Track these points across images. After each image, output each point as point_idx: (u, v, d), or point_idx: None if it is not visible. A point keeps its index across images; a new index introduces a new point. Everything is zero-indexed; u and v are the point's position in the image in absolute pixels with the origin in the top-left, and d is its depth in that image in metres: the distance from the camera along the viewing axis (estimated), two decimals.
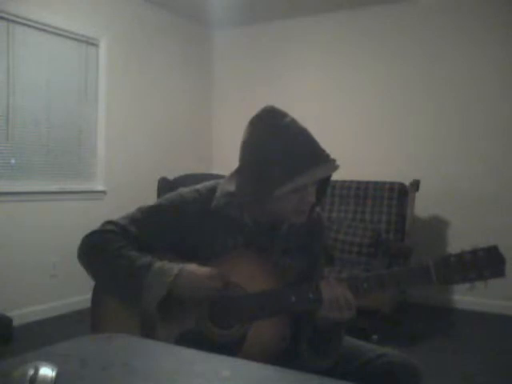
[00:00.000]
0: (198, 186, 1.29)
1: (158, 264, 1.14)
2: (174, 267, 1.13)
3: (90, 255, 1.22)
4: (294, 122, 1.17)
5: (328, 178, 1.23)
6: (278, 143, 1.13)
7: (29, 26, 3.45)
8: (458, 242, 3.71)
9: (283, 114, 1.17)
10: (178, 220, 1.22)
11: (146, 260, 1.15)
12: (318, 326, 1.13)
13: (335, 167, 1.15)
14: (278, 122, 1.15)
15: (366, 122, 4.45)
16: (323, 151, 1.16)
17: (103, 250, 1.19)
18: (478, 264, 1.01)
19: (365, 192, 3.94)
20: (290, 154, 1.11)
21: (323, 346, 1.15)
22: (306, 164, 1.11)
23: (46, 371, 0.79)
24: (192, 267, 1.14)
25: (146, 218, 1.24)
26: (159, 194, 2.48)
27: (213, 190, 1.25)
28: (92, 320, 1.23)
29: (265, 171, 1.12)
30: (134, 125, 4.31)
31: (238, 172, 1.21)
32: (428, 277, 1.04)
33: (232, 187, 1.21)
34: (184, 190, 1.28)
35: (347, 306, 1.07)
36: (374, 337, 2.99)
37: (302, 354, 1.16)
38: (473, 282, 1.02)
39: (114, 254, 1.17)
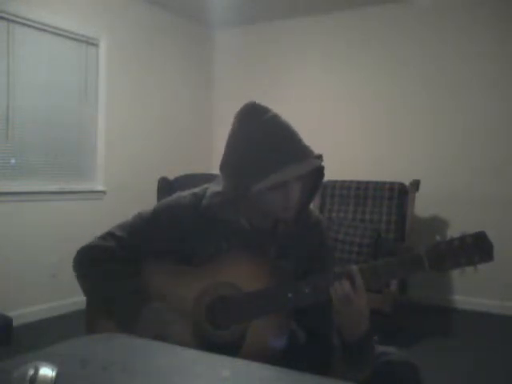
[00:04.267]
0: (196, 190, 1.29)
1: (155, 292, 1.17)
2: (170, 287, 1.16)
3: (86, 273, 1.23)
4: (274, 117, 1.15)
5: (320, 175, 1.20)
6: (255, 140, 1.12)
7: (29, 26, 3.45)
8: None
9: (264, 110, 1.16)
10: (176, 225, 1.22)
11: (143, 288, 1.17)
12: (340, 330, 1.11)
13: (313, 164, 1.13)
14: (257, 119, 1.14)
15: (366, 122, 4.45)
16: (304, 148, 1.13)
17: (99, 271, 1.21)
18: (467, 249, 1.03)
19: (365, 192, 3.94)
20: (266, 151, 1.10)
21: (354, 358, 1.12)
22: (281, 161, 1.09)
23: (46, 371, 0.79)
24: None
25: (144, 226, 1.24)
26: (159, 194, 2.47)
27: (206, 191, 1.26)
28: (87, 321, 1.23)
29: (243, 168, 1.12)
30: (134, 125, 4.31)
31: (221, 170, 1.20)
32: (420, 264, 1.06)
33: (219, 187, 1.21)
34: (181, 194, 1.28)
35: (354, 298, 1.05)
36: (374, 337, 3.00)
37: (336, 367, 1.14)
38: (463, 267, 1.04)
39: (110, 277, 1.19)
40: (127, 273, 1.20)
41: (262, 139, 1.12)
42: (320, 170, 1.19)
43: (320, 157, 1.15)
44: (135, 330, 1.12)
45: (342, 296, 1.05)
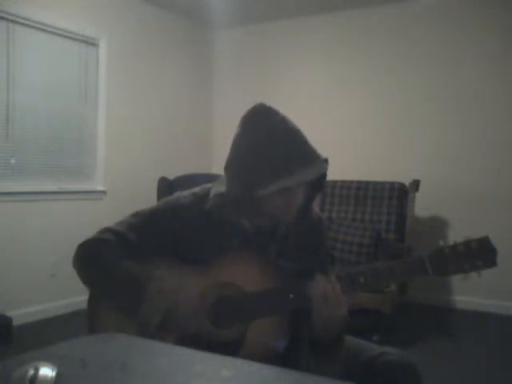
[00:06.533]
0: (196, 189, 1.28)
1: (156, 279, 1.13)
2: (171, 281, 1.13)
3: (86, 265, 1.22)
4: (283, 121, 1.14)
5: (323, 176, 1.20)
6: (264, 143, 1.11)
7: (29, 26, 3.45)
8: None
9: (273, 113, 1.15)
10: (175, 224, 1.22)
11: (144, 274, 1.14)
12: (315, 330, 1.11)
13: (321, 169, 1.13)
14: (266, 121, 1.14)
15: (366, 122, 4.45)
16: (311, 152, 1.13)
17: (100, 260, 1.19)
18: (471, 255, 1.03)
19: (365, 192, 3.94)
20: (274, 156, 1.10)
21: (323, 355, 1.13)
22: (290, 167, 1.09)
23: (46, 371, 0.79)
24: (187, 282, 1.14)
25: (143, 223, 1.23)
26: (159, 194, 2.47)
27: (209, 192, 1.25)
28: (89, 322, 1.23)
29: (249, 171, 1.12)
30: (134, 125, 4.31)
31: (226, 171, 1.19)
32: (423, 269, 1.05)
33: (223, 188, 1.20)
34: (182, 194, 1.27)
35: (337, 302, 1.06)
36: (374, 337, 3.00)
37: (301, 363, 1.15)
38: (467, 272, 1.04)
39: (111, 265, 1.17)
40: (125, 257, 1.18)
41: (270, 143, 1.11)
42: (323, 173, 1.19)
43: (326, 160, 1.15)
44: (143, 310, 1.10)
45: (331, 298, 1.06)
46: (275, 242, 1.23)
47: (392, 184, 3.86)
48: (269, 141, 1.12)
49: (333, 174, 1.34)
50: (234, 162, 1.17)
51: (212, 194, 1.23)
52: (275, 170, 1.09)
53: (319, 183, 1.22)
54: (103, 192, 4.01)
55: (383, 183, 3.90)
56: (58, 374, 0.79)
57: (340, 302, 1.06)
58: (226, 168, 1.19)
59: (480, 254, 1.03)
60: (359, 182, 4.00)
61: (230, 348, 1.07)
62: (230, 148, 1.19)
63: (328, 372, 1.08)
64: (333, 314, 1.07)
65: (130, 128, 4.26)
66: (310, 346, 1.13)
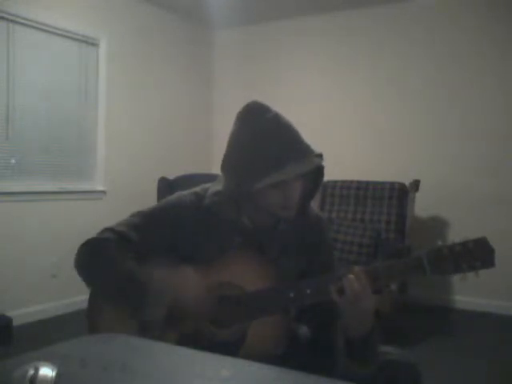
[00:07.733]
0: (197, 189, 1.29)
1: (157, 278, 1.13)
2: (172, 281, 1.13)
3: (88, 264, 1.21)
4: (276, 117, 1.15)
5: (321, 172, 1.21)
6: (257, 139, 1.13)
7: (29, 26, 3.45)
8: None
9: (265, 110, 1.17)
10: (176, 223, 1.22)
11: (145, 274, 1.14)
12: (349, 329, 1.10)
13: (314, 163, 1.13)
14: (259, 118, 1.15)
15: (366, 122, 4.45)
16: (305, 147, 1.14)
17: (101, 259, 1.19)
18: (468, 255, 1.03)
19: (365, 192, 3.94)
20: (267, 150, 1.11)
21: (359, 352, 1.11)
22: (282, 160, 1.10)
23: (46, 371, 0.79)
24: (188, 279, 1.14)
25: (144, 222, 1.24)
26: (159, 194, 2.47)
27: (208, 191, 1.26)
28: (89, 322, 1.23)
29: (244, 167, 1.13)
30: (134, 125, 4.31)
31: (222, 169, 1.21)
32: (422, 268, 1.05)
33: (220, 186, 1.21)
34: (182, 193, 1.28)
35: (364, 295, 1.05)
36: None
37: (338, 361, 1.13)
38: (464, 272, 1.04)
39: (112, 264, 1.17)
40: (127, 257, 1.18)
41: (264, 138, 1.13)
42: (320, 169, 1.20)
43: (320, 156, 1.16)
44: (145, 310, 1.10)
45: (351, 296, 1.04)
46: (276, 240, 1.23)
47: (392, 184, 3.86)
48: (262, 136, 1.13)
49: (333, 174, 1.35)
50: (230, 160, 1.19)
51: (209, 192, 1.24)
52: (269, 163, 1.10)
53: (317, 179, 1.22)
54: (103, 192, 4.01)
55: (383, 183, 3.90)
56: (58, 374, 0.79)
57: (368, 296, 1.05)
58: (223, 166, 1.20)
59: (478, 254, 1.03)
60: (359, 182, 4.00)
61: (230, 348, 1.07)
62: (226, 146, 1.20)
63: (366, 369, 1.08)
64: (364, 309, 1.07)
65: (130, 128, 4.26)
66: (346, 346, 1.11)
